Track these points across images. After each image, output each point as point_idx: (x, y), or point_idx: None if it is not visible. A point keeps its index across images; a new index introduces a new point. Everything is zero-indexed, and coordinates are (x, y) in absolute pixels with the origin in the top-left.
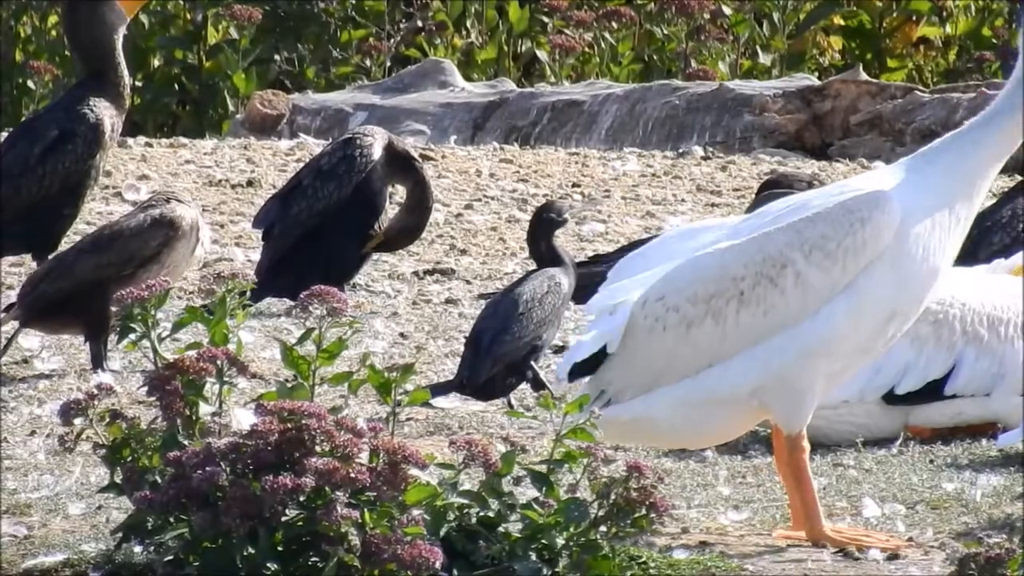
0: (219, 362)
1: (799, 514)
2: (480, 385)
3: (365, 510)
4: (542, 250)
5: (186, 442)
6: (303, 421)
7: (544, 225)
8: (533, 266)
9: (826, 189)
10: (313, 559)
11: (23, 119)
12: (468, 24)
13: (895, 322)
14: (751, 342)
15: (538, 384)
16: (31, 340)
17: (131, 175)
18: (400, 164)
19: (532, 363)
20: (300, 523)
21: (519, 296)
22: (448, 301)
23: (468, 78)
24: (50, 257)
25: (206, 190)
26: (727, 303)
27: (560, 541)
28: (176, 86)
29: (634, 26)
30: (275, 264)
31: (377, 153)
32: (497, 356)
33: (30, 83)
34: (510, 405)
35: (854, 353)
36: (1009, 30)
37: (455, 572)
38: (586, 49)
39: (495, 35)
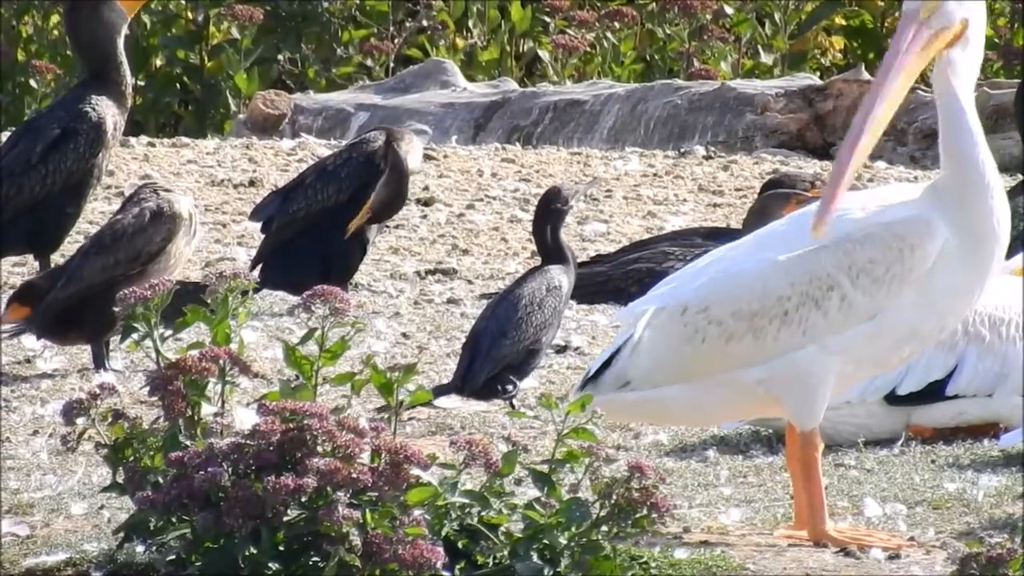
0: (221, 362)
1: (803, 512)
2: (478, 388)
3: (367, 510)
4: (547, 240)
5: (188, 442)
6: (305, 421)
7: (551, 213)
8: (534, 266)
9: (869, 200)
10: (315, 559)
11: (25, 118)
12: (470, 24)
13: (912, 343)
14: (783, 355)
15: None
16: (33, 340)
17: (133, 175)
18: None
19: (530, 366)
20: (302, 523)
21: (518, 299)
22: (450, 301)
23: (470, 78)
24: (52, 266)
25: (208, 190)
26: (769, 322)
27: (562, 541)
28: (178, 86)
29: (636, 26)
30: (273, 257)
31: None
32: (496, 361)
33: (32, 82)
34: (512, 405)
35: (866, 362)
36: (1011, 29)
37: (456, 572)
38: (588, 49)
39: (497, 35)
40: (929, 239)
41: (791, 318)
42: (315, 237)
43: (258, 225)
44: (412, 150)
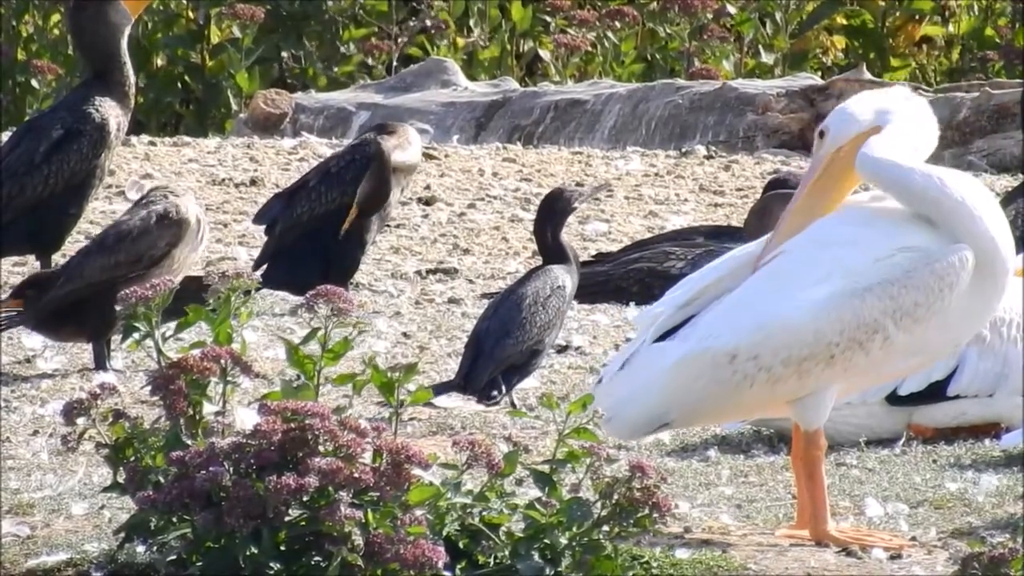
0: (223, 361)
1: (806, 511)
2: (480, 388)
3: (368, 510)
4: (548, 241)
5: (189, 442)
6: (306, 421)
7: (554, 214)
8: (535, 265)
9: (883, 213)
10: (316, 559)
11: (27, 118)
12: (471, 23)
13: (923, 358)
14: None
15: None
16: (34, 339)
17: (135, 174)
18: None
19: (532, 366)
20: (303, 523)
21: (522, 299)
22: (451, 301)
23: (471, 77)
24: (54, 266)
25: (209, 189)
26: (816, 364)
27: (563, 541)
28: (179, 85)
29: (637, 25)
30: (275, 257)
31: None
32: (499, 361)
33: (33, 82)
34: (513, 405)
35: (876, 373)
36: (1012, 29)
37: (458, 572)
38: (589, 48)
39: (498, 34)
40: (966, 272)
41: (836, 360)
42: (316, 237)
43: (260, 226)
44: (403, 144)
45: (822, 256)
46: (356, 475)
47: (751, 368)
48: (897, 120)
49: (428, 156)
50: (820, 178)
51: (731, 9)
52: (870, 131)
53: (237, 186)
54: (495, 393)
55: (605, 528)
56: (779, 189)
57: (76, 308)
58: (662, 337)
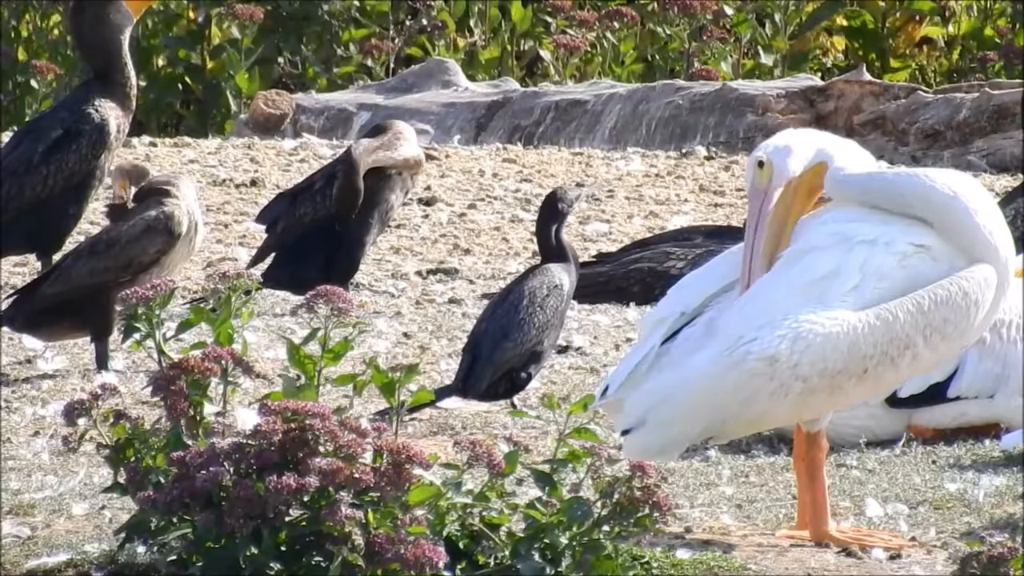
0: (224, 362)
1: (806, 512)
2: (481, 392)
3: (369, 510)
4: (550, 239)
5: (190, 442)
6: (307, 421)
7: (554, 213)
8: (533, 265)
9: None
10: (317, 559)
11: (27, 118)
12: (471, 24)
13: (933, 365)
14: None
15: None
16: (35, 340)
17: None
18: None
19: (532, 369)
20: (304, 523)
21: (519, 299)
22: (451, 301)
23: (471, 78)
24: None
25: (210, 189)
26: (849, 379)
27: (563, 541)
28: (179, 86)
29: (636, 26)
30: (276, 256)
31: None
32: (498, 364)
33: (33, 82)
34: (513, 405)
35: (889, 387)
36: (1012, 30)
37: (458, 572)
38: (589, 49)
39: (498, 35)
40: (991, 292)
41: (869, 374)
42: (317, 237)
43: (260, 225)
44: (390, 143)
45: (848, 259)
46: (356, 475)
47: (788, 376)
48: (839, 153)
49: (429, 156)
50: (775, 209)
51: (728, 10)
52: (816, 166)
53: (238, 187)
54: (520, 382)
55: (605, 528)
56: None
57: (67, 308)
58: (667, 340)
